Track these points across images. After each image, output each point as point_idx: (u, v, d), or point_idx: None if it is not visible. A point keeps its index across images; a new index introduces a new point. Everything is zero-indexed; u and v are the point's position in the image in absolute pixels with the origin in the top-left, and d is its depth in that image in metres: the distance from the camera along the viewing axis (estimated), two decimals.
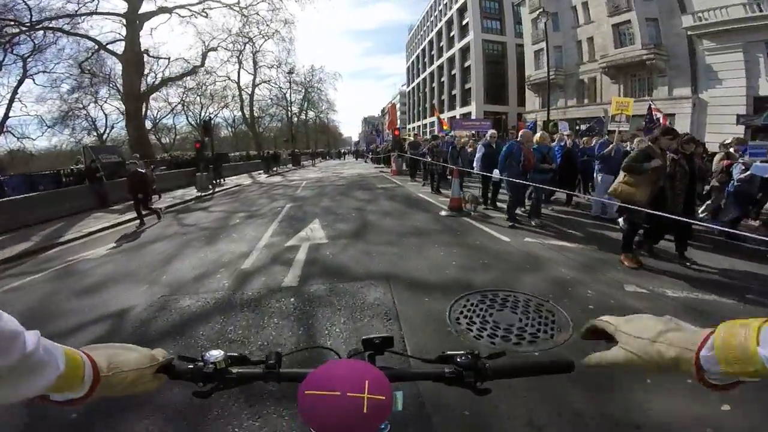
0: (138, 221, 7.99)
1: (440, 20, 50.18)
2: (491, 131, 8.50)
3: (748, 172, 5.27)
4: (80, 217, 9.22)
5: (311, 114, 49.00)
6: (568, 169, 7.91)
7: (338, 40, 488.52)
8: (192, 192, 13.75)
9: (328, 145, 64.99)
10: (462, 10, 43.34)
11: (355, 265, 4.48)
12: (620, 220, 5.80)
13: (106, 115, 30.83)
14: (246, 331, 2.99)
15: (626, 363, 0.53)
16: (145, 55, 23.83)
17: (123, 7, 20.52)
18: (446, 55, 48.46)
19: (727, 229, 4.16)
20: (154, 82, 27.23)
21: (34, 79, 24.48)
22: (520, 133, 6.45)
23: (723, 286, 3.65)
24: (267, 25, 29.71)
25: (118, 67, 23.02)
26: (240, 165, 25.28)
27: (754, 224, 6.06)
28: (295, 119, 45.24)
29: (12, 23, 19.27)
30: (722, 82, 17.98)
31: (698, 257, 4.34)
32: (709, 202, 6.47)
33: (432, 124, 52.97)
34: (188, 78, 31.03)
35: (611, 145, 6.59)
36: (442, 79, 50.37)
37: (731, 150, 6.23)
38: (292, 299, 3.58)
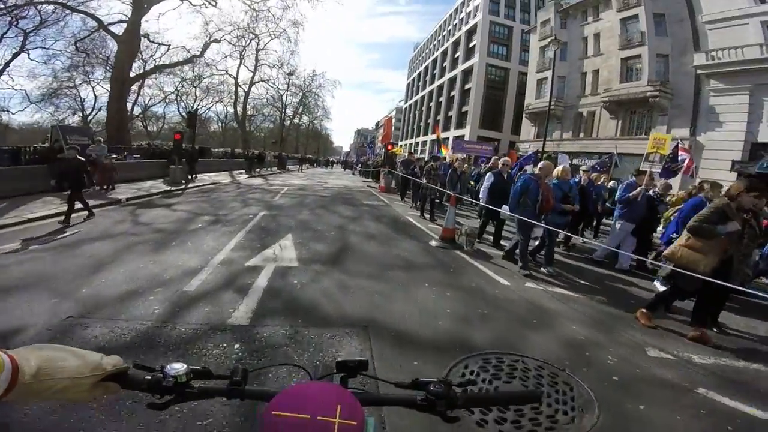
0: (63, 217, 6.25)
1: (448, 40, 50.84)
2: (504, 158, 7.48)
3: None
4: (27, 200, 8.01)
5: (305, 119, 48.51)
6: (580, 209, 6.73)
7: (344, 49, 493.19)
8: (162, 185, 12.60)
9: (317, 152, 64.31)
10: (471, 32, 43.97)
11: (328, 302, 3.63)
12: (656, 282, 5.16)
13: (96, 96, 29.88)
14: None
15: None
16: (145, 40, 23.01)
17: None
18: (448, 76, 48.83)
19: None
20: (145, 67, 26.18)
21: (29, 54, 23.96)
22: (539, 165, 5.53)
23: (748, 351, 3.35)
24: (275, 23, 29.52)
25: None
26: (222, 162, 24.11)
27: None
28: (288, 122, 44.54)
29: None
30: (722, 125, 17.74)
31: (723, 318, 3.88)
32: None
33: (424, 143, 53.02)
34: (186, 68, 30.15)
35: (638, 188, 5.77)
36: (440, 99, 50.59)
37: None
38: (236, 346, 2.71)
